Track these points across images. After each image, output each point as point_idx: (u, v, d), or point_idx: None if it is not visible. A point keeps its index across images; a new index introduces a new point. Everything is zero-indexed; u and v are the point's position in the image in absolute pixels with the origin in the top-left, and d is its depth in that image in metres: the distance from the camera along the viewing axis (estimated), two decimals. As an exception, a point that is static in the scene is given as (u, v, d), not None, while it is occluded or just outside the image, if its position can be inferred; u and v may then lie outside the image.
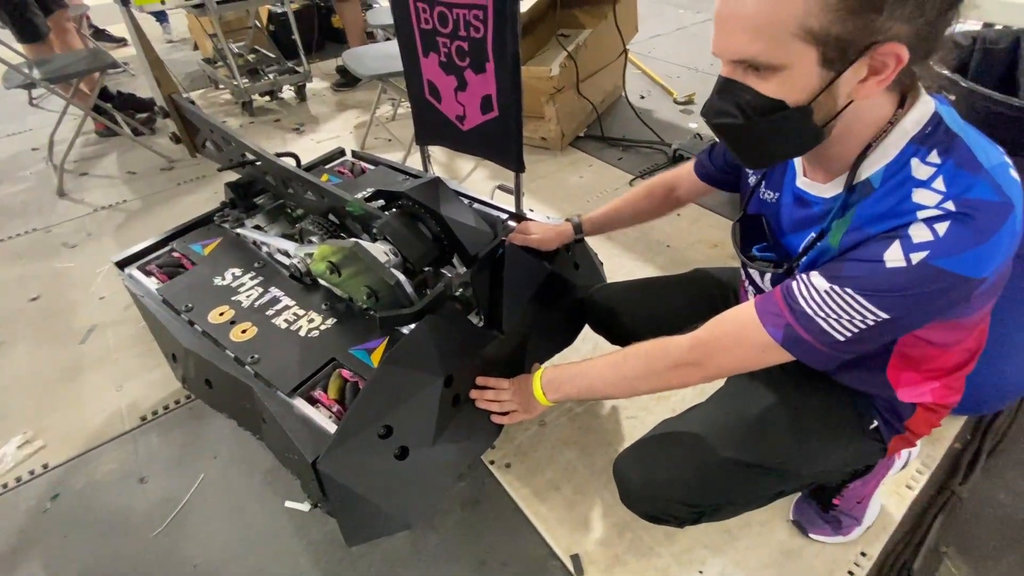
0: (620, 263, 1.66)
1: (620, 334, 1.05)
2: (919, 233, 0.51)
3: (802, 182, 0.68)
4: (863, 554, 0.97)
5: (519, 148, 1.27)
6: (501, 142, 1.27)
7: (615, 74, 2.58)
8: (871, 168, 0.57)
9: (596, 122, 2.46)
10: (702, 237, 1.75)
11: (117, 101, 2.60)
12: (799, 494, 1.02)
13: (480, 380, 0.91)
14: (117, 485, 1.15)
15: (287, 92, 2.97)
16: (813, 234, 0.63)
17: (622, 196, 1.04)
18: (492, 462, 1.14)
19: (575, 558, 0.98)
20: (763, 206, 0.75)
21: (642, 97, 2.76)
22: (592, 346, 1.24)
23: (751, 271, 0.78)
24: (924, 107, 0.56)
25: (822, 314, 0.57)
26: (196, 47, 3.60)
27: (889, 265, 0.52)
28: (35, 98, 2.74)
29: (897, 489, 1.05)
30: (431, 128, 1.41)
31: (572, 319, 1.14)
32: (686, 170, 0.97)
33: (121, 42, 3.70)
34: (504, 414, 0.89)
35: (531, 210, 1.25)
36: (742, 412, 0.77)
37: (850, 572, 0.94)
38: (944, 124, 0.55)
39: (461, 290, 1.08)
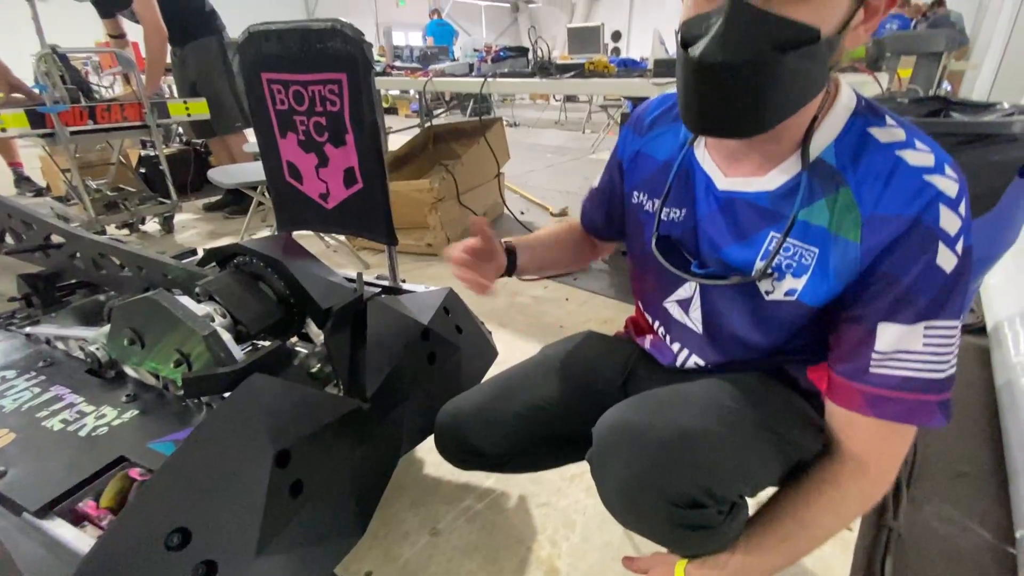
0: (515, 346, 1.55)
1: (489, 461, 0.78)
2: (949, 222, 0.48)
3: (728, 183, 0.59)
4: (826, 621, 0.80)
5: (389, 219, 1.20)
6: (369, 214, 1.20)
7: (494, 192, 2.76)
8: (819, 147, 0.53)
9: (481, 232, 2.53)
10: (592, 316, 1.74)
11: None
12: None
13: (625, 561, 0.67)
14: None
15: (152, 224, 2.77)
16: (774, 233, 0.55)
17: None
18: (366, 594, 0.86)
19: None
20: (672, 228, 0.65)
21: (522, 213, 2.95)
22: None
23: (667, 305, 0.69)
24: (847, 85, 0.55)
25: (944, 362, 0.51)
26: (49, 188, 3.33)
27: (948, 270, 0.48)
28: None
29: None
30: (293, 212, 1.31)
31: (454, 389, 0.98)
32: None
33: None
34: None
35: (404, 280, 1.15)
36: (742, 389, 0.60)
37: (819, 648, 0.77)
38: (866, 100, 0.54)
39: (319, 367, 0.90)
